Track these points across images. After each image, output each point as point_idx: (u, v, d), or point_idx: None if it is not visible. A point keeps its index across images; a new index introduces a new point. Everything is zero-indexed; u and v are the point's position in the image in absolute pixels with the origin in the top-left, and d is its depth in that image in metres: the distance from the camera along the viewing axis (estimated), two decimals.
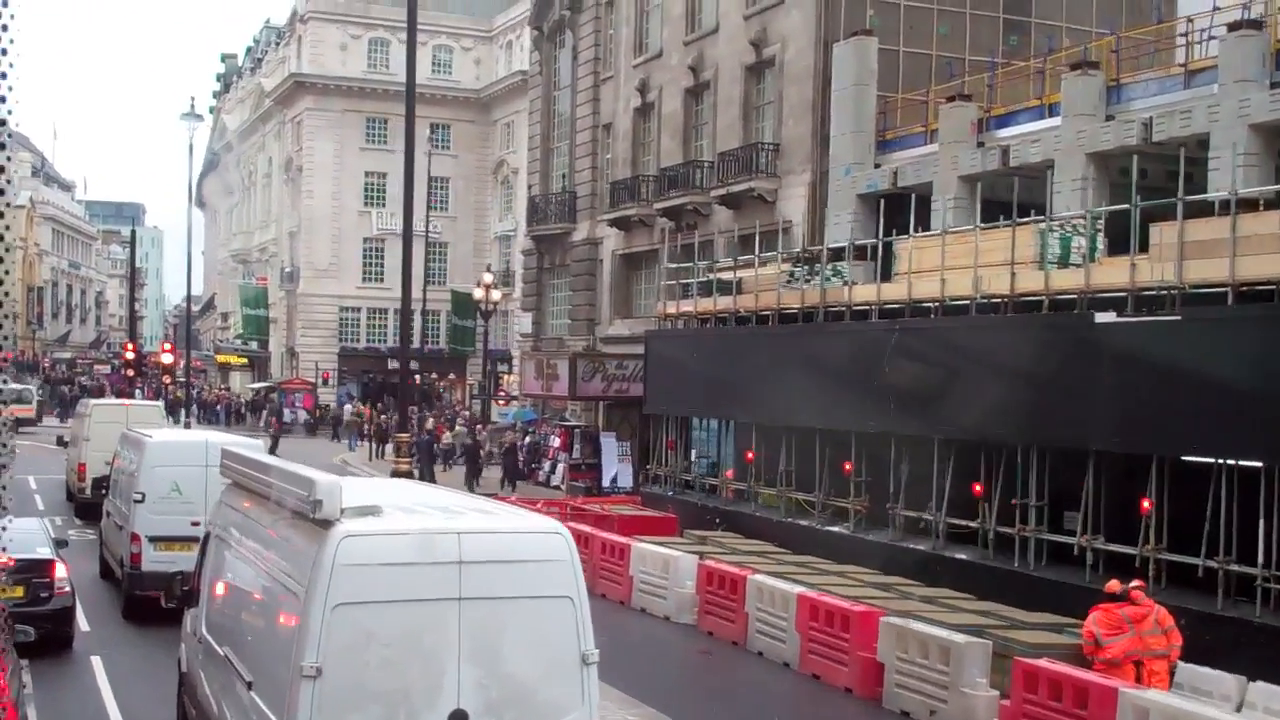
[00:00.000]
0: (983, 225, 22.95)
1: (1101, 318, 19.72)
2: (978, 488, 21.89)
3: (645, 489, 32.74)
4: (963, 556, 22.35)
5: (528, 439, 46.62)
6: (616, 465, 39.98)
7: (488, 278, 54.29)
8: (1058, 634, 17.27)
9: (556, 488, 43.13)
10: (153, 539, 19.76)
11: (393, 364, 78.83)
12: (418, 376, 70.82)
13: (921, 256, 24.56)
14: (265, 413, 71.40)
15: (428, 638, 8.55)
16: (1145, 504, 18.76)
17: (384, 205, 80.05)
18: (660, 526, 28.28)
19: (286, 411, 70.93)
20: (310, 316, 79.12)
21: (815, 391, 26.02)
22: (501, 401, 57.58)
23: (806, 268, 28.47)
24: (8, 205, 3.21)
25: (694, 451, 32.77)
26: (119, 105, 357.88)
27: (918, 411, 23.30)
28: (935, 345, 23.32)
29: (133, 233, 71.32)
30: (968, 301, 22.81)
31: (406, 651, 8.52)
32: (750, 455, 28.31)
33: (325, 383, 76.01)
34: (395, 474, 21.71)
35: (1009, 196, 23.47)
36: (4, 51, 2.77)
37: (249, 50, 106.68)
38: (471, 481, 43.00)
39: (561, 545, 9.06)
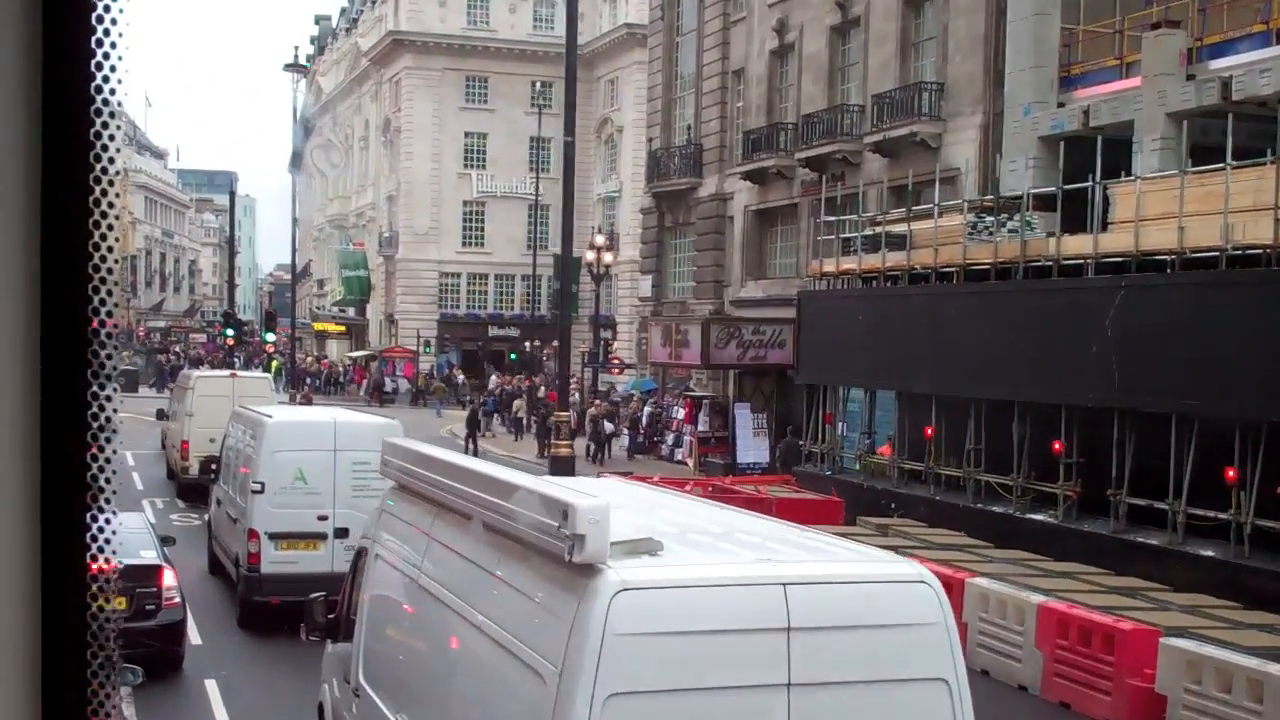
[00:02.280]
0: (1234, 164, 19.44)
1: None
2: (1231, 473, 18.49)
3: (799, 468, 29.51)
4: (1210, 554, 18.98)
5: (648, 409, 43.59)
6: (751, 439, 36.86)
7: (599, 239, 51.36)
8: None
9: (681, 463, 40.18)
10: (274, 536, 16.91)
11: (493, 331, 76.40)
12: (528, 345, 68.44)
13: (1147, 202, 21.08)
14: (366, 382, 69.12)
15: None
16: None
17: (484, 167, 77.41)
18: (825, 512, 25.04)
19: (387, 380, 68.63)
20: (409, 282, 76.68)
21: (1013, 359, 22.68)
22: (615, 370, 54.59)
23: (992, 218, 25.08)
24: (118, 173, 1.65)
25: (842, 425, 29.54)
26: (211, 73, 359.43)
27: (1150, 383, 19.91)
28: (1174, 305, 19.87)
29: (231, 195, 69.06)
30: (1215, 253, 19.34)
31: None
32: (929, 431, 24.99)
33: (428, 347, 73.51)
34: (557, 459, 18.71)
35: (1221, 138, 20.09)
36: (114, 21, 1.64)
37: (343, 11, 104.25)
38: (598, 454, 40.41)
39: (930, 599, 5.98)
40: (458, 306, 77.26)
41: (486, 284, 77.61)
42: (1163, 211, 20.94)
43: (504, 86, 77.01)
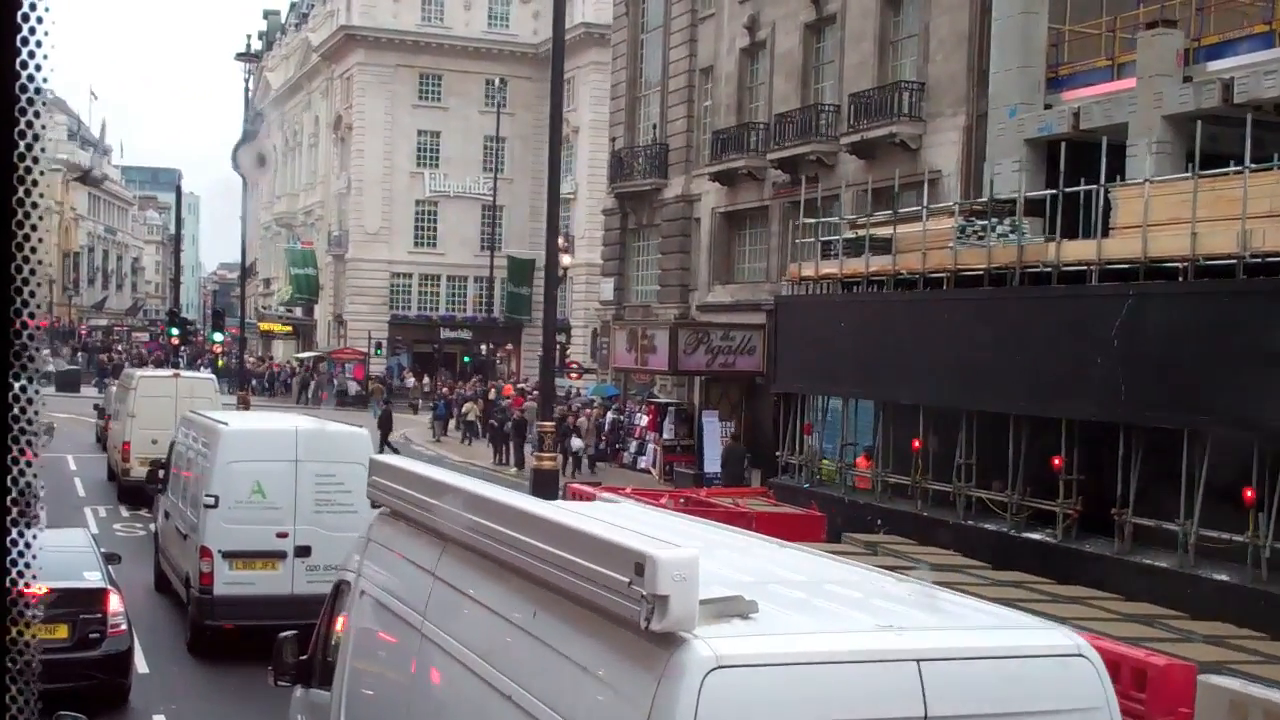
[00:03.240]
0: (1253, 167, 18.43)
1: None
2: (1249, 493, 17.46)
3: (776, 480, 28.31)
4: (1225, 578, 17.94)
5: (610, 416, 42.32)
6: (719, 448, 35.66)
7: (558, 241, 50.06)
8: None
9: (645, 471, 38.96)
10: (228, 555, 15.54)
11: (445, 333, 74.93)
12: (483, 348, 67.11)
13: (1153, 207, 20.05)
14: (313, 385, 67.52)
15: None
16: None
17: (436, 166, 76.03)
18: (807, 527, 23.87)
19: (335, 382, 67.10)
20: (359, 282, 75.11)
21: (1009, 369, 21.60)
22: (574, 375, 53.28)
23: (982, 222, 24.01)
24: (42, 172, 1.83)
25: (816, 437, 28.41)
26: (154, 69, 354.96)
27: (1160, 396, 18.87)
28: (1187, 314, 18.84)
29: (178, 191, 67.29)
30: (1231, 261, 18.32)
31: None
32: (917, 443, 23.87)
33: (379, 349, 71.93)
34: (539, 472, 17.42)
35: (1225, 144, 19.18)
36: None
37: (293, 6, 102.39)
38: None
39: (1090, 677, 4.82)
40: (409, 308, 75.79)
41: (439, 285, 76.17)
42: (1171, 217, 19.93)
43: (458, 84, 75.68)
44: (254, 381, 65.57)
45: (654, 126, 43.19)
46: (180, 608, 17.29)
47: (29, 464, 1.68)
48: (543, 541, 5.29)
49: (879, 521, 23.78)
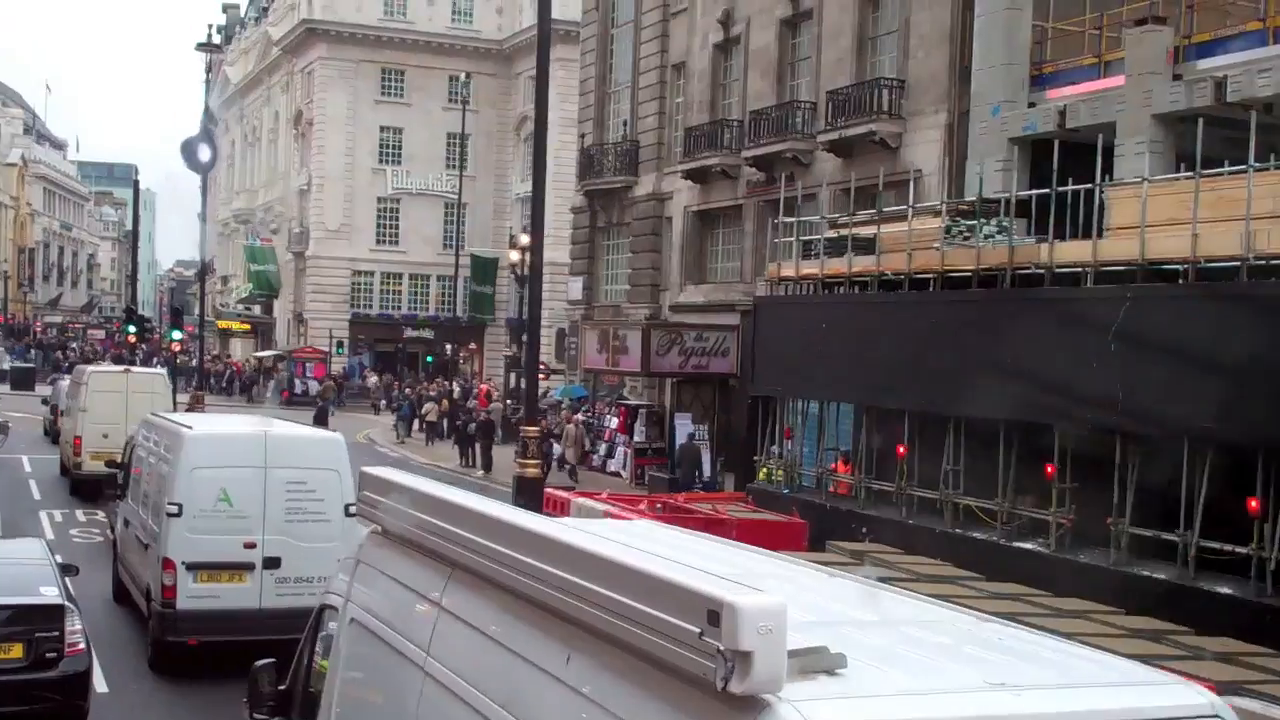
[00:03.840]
0: (1256, 165, 17.86)
1: None
2: (1253, 503, 16.87)
3: (755, 485, 27.61)
4: (1227, 591, 17.31)
5: (579, 418, 41.53)
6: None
7: (524, 239, 49.34)
8: None
9: (615, 474, 38.25)
10: (192, 566, 14.70)
11: (408, 332, 74.02)
12: (449, 347, 66.17)
13: (1150, 207, 19.46)
14: (273, 384, 66.49)
15: None
16: None
17: (399, 163, 75.10)
18: (788, 535, 23.28)
19: (296, 382, 66.07)
20: (320, 280, 74.11)
21: (999, 373, 20.94)
22: (541, 375, 52.41)
23: (968, 222, 23.39)
24: None
25: (789, 442, 27.79)
26: (111, 64, 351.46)
27: (1159, 403, 18.25)
28: (1188, 318, 18.24)
29: (135, 186, 65.99)
30: (1234, 264, 17.74)
31: None
32: (902, 449, 23.21)
33: (341, 348, 70.98)
34: (522, 480, 16.64)
35: (1211, 141, 18.59)
36: None
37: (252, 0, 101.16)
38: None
39: None
40: (370, 306, 74.87)
41: (401, 284, 75.30)
42: (1169, 218, 19.32)
43: (421, 80, 74.81)
44: (210, 380, 64.44)
45: (624, 123, 42.46)
46: (141, 621, 16.45)
47: None
48: (582, 576, 4.56)
49: (863, 530, 23.14)
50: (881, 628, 4.90)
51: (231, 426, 17.44)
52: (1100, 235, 20.48)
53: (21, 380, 60.41)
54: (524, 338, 51.51)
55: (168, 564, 14.64)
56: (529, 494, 16.35)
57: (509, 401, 48.74)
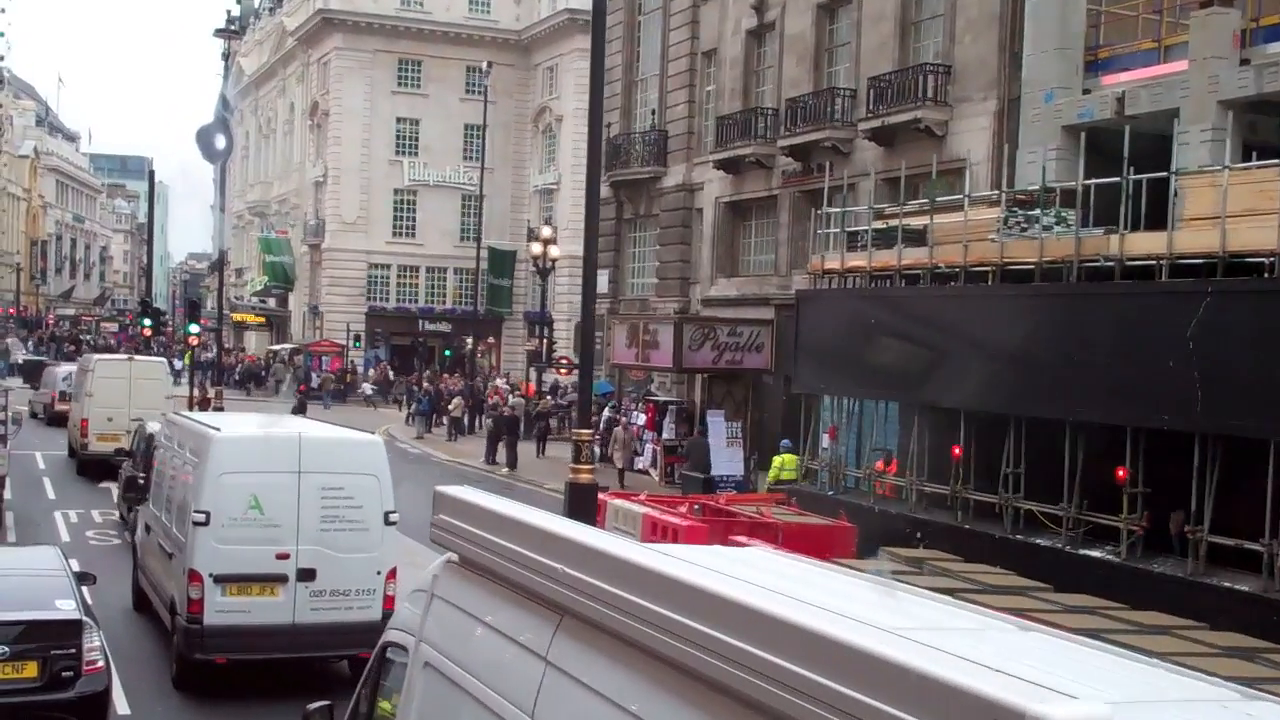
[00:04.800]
0: None
1: None
2: None
3: (797, 486, 26.53)
4: None
5: (605, 414, 40.50)
6: (725, 450, 33.92)
7: (546, 231, 48.37)
8: None
9: (643, 473, 37.19)
10: (220, 579, 13.65)
11: (424, 326, 73.06)
12: (469, 340, 65.16)
13: (1232, 196, 18.36)
14: (289, 377, 65.53)
15: None
16: None
17: (415, 154, 74.02)
18: (836, 540, 22.18)
19: (313, 375, 65.18)
20: (336, 273, 73.09)
21: (1065, 372, 19.89)
22: (563, 370, 51.43)
23: (1024, 212, 22.31)
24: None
25: (826, 439, 26.77)
26: (124, 56, 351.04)
27: (1243, 403, 17.18)
28: (1273, 313, 17.17)
29: (151, 177, 64.81)
30: None
31: None
32: (958, 450, 22.13)
33: (358, 341, 70.08)
34: (576, 487, 15.54)
35: (1260, 130, 17.58)
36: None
37: None
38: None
39: None
40: (387, 299, 73.83)
41: (418, 276, 74.24)
42: (1247, 207, 18.25)
43: (438, 71, 73.75)
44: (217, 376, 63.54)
45: (652, 112, 41.36)
46: (164, 633, 15.42)
47: None
48: (780, 656, 3.51)
49: (917, 535, 22.07)
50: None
51: (262, 428, 16.35)
52: (1170, 227, 19.43)
53: (33, 373, 59.56)
54: (540, 331, 51.00)
55: (194, 576, 13.61)
56: (584, 501, 15.29)
57: (548, 396, 47.99)
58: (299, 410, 42.39)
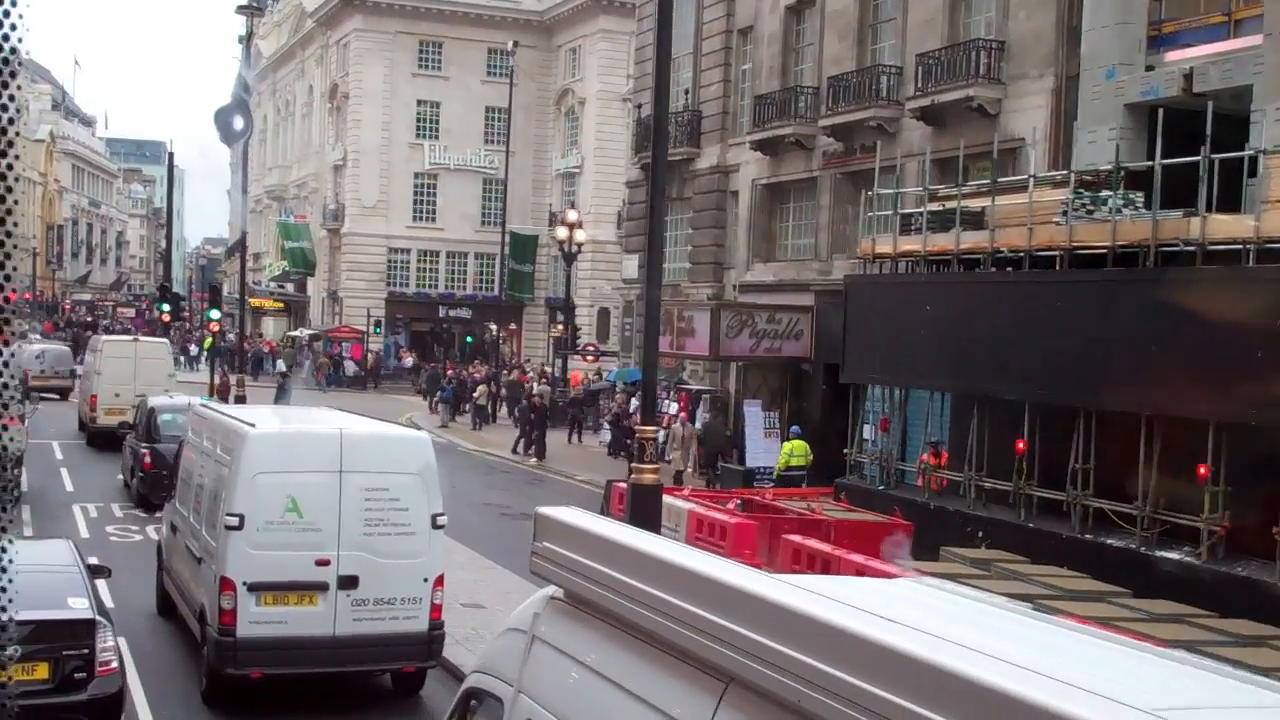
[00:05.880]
0: None
1: None
2: None
3: (845, 480, 25.46)
4: None
5: (635, 402, 39.40)
6: (762, 440, 32.82)
7: (572, 215, 47.42)
8: None
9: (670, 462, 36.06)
10: (255, 587, 12.61)
11: (444, 311, 72.08)
12: (492, 327, 64.24)
13: None
14: (308, 364, 64.55)
15: None
16: None
17: (436, 138, 72.86)
18: (889, 537, 21.18)
19: (343, 362, 64.27)
20: (356, 258, 72.13)
21: (1140, 363, 18.80)
22: (591, 358, 50.40)
23: (1089, 194, 21.20)
24: (16, 134, 1.89)
25: (871, 429, 25.73)
26: (141, 40, 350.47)
27: None
28: None
29: (170, 160, 63.66)
30: None
31: None
32: (1021, 445, 21.03)
33: (378, 328, 69.13)
34: (640, 488, 14.47)
35: None
36: None
37: None
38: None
39: None
40: (407, 285, 72.84)
41: (438, 261, 73.20)
42: None
43: (459, 53, 72.60)
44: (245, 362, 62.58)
45: (686, 92, 40.18)
46: (192, 641, 14.41)
47: (4, 427, 1.61)
48: None
49: (980, 534, 20.99)
50: None
51: (300, 423, 15.28)
52: (1257, 208, 18.31)
53: None
54: (565, 317, 49.95)
55: (226, 584, 12.58)
56: (647, 504, 14.24)
57: (596, 379, 47.21)
58: (281, 394, 42.88)
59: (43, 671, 10.67)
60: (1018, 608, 5.76)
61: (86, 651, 10.90)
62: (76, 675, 10.85)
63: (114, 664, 11.15)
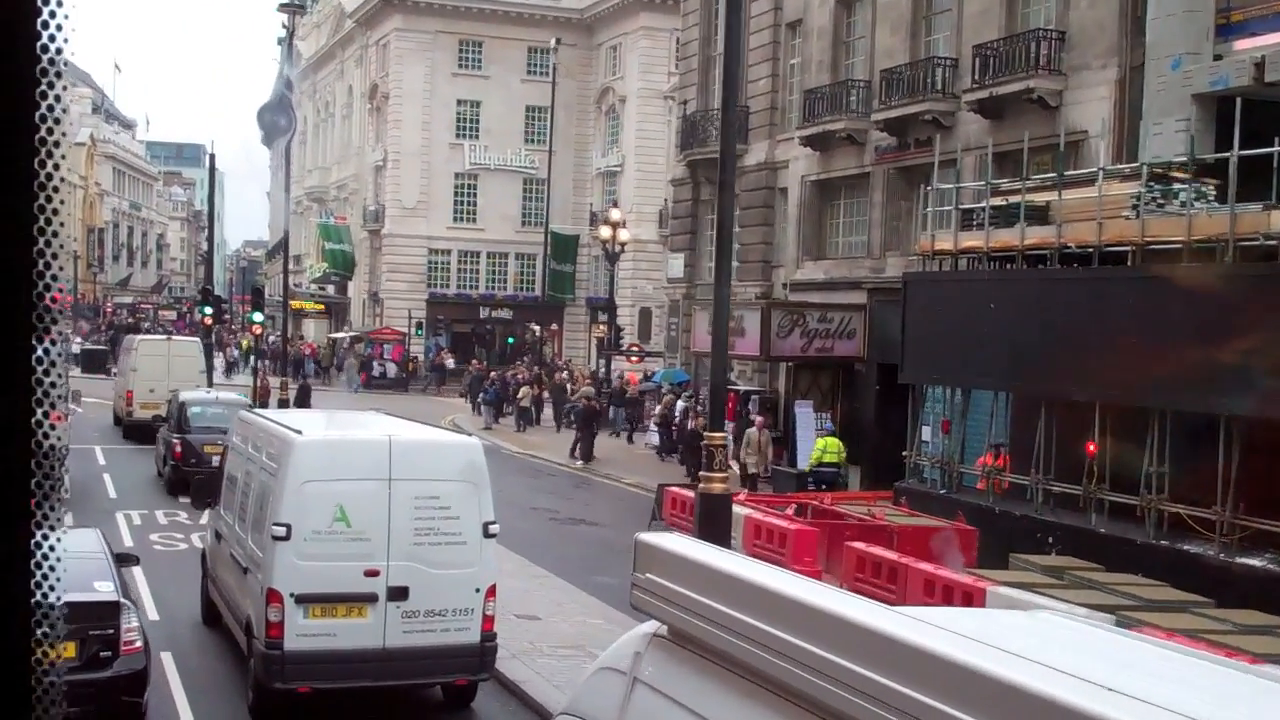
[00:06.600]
0: None
1: None
2: None
3: (904, 484, 24.70)
4: None
5: (681, 404, 38.78)
6: (814, 443, 32.06)
7: (616, 214, 46.71)
8: None
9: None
10: (302, 599, 12.03)
11: (485, 312, 71.62)
12: (535, 327, 63.71)
13: None
14: (349, 366, 64.15)
15: None
16: None
17: (476, 138, 72.35)
18: (937, 534, 20.50)
19: (374, 364, 63.84)
20: (396, 259, 71.66)
21: (1220, 363, 17.99)
22: (636, 358, 49.77)
23: (1159, 187, 20.40)
24: (63, 136, 1.60)
25: (927, 430, 25.01)
26: (180, 44, 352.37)
27: None
28: None
29: (211, 163, 63.68)
30: None
31: None
32: (1093, 447, 20.25)
33: (420, 329, 68.69)
34: (709, 497, 13.81)
35: None
36: None
37: None
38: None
39: None
40: (448, 286, 72.32)
41: (478, 262, 72.67)
42: None
43: (499, 52, 72.08)
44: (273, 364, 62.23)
45: None
46: (238, 652, 13.86)
47: (54, 426, 1.54)
48: None
49: (1048, 539, 20.21)
50: None
51: (348, 430, 14.69)
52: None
53: (94, 363, 58.70)
54: (609, 317, 49.35)
55: (273, 596, 12.00)
56: (716, 514, 13.58)
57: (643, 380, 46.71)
58: (301, 396, 42.32)
59: (70, 650, 10.92)
60: (1171, 646, 5.07)
61: (111, 632, 11.32)
62: (102, 654, 11.29)
63: (138, 643, 11.52)
